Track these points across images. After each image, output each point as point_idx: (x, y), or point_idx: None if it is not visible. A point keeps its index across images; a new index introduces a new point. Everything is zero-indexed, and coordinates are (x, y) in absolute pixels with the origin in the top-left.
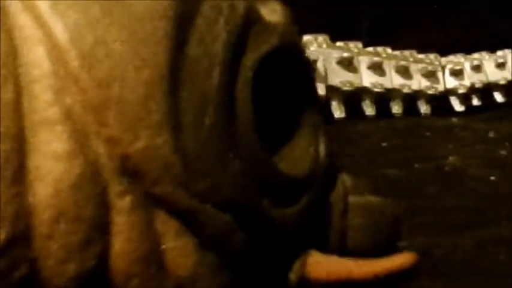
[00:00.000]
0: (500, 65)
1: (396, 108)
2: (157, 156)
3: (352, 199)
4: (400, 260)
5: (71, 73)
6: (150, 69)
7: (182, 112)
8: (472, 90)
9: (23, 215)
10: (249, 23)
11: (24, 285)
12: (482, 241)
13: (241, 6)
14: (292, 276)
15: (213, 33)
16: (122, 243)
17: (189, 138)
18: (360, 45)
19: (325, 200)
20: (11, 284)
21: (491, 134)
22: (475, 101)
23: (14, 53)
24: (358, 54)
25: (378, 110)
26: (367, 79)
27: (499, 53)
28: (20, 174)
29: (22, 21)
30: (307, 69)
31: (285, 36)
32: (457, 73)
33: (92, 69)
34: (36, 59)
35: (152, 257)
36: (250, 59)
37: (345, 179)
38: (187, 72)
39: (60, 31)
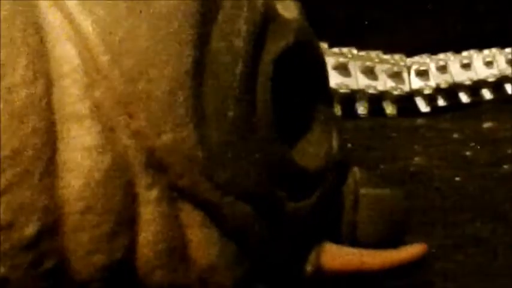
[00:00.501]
0: (466, 66)
1: (361, 109)
2: (183, 149)
3: (362, 191)
4: (412, 251)
5: (99, 68)
6: (175, 65)
7: (205, 106)
8: (438, 90)
9: (53, 207)
10: (268, 19)
11: (53, 277)
12: (454, 242)
13: (260, 3)
14: (308, 267)
15: (234, 29)
16: (148, 235)
17: (212, 132)
18: (325, 45)
19: (338, 192)
20: (40, 275)
21: (456, 135)
22: (441, 102)
23: (43, 49)
24: (324, 55)
25: (343, 110)
26: (333, 80)
27: (464, 53)
28: (50, 168)
29: (51, 17)
30: (321, 64)
31: (301, 33)
32: (423, 74)
33: (120, 64)
34: (66, 54)
35: (177, 249)
36: (269, 55)
37: (355, 172)
38: (210, 67)
39: (88, 27)
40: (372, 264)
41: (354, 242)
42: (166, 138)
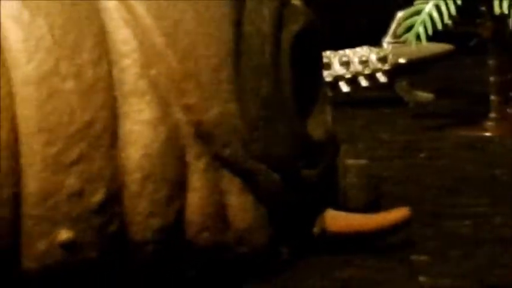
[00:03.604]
0: None
1: None
2: (227, 122)
3: (348, 162)
4: (399, 214)
5: (155, 49)
6: (219, 45)
7: (242, 83)
8: None
9: (117, 176)
10: (283, 4)
11: (115, 240)
12: None
13: None
14: (315, 229)
15: (260, 15)
16: (196, 200)
17: (250, 106)
18: None
19: (333, 163)
20: (105, 238)
21: None
22: None
23: (104, 32)
24: None
25: None
26: None
27: None
28: (114, 140)
29: (109, 4)
30: (321, 46)
31: (309, 17)
32: None
33: (174, 45)
34: (124, 37)
35: (219, 212)
36: (287, 37)
37: (341, 145)
38: (244, 48)
39: (143, 12)
40: (368, 226)
41: (345, 207)
42: (214, 111)
